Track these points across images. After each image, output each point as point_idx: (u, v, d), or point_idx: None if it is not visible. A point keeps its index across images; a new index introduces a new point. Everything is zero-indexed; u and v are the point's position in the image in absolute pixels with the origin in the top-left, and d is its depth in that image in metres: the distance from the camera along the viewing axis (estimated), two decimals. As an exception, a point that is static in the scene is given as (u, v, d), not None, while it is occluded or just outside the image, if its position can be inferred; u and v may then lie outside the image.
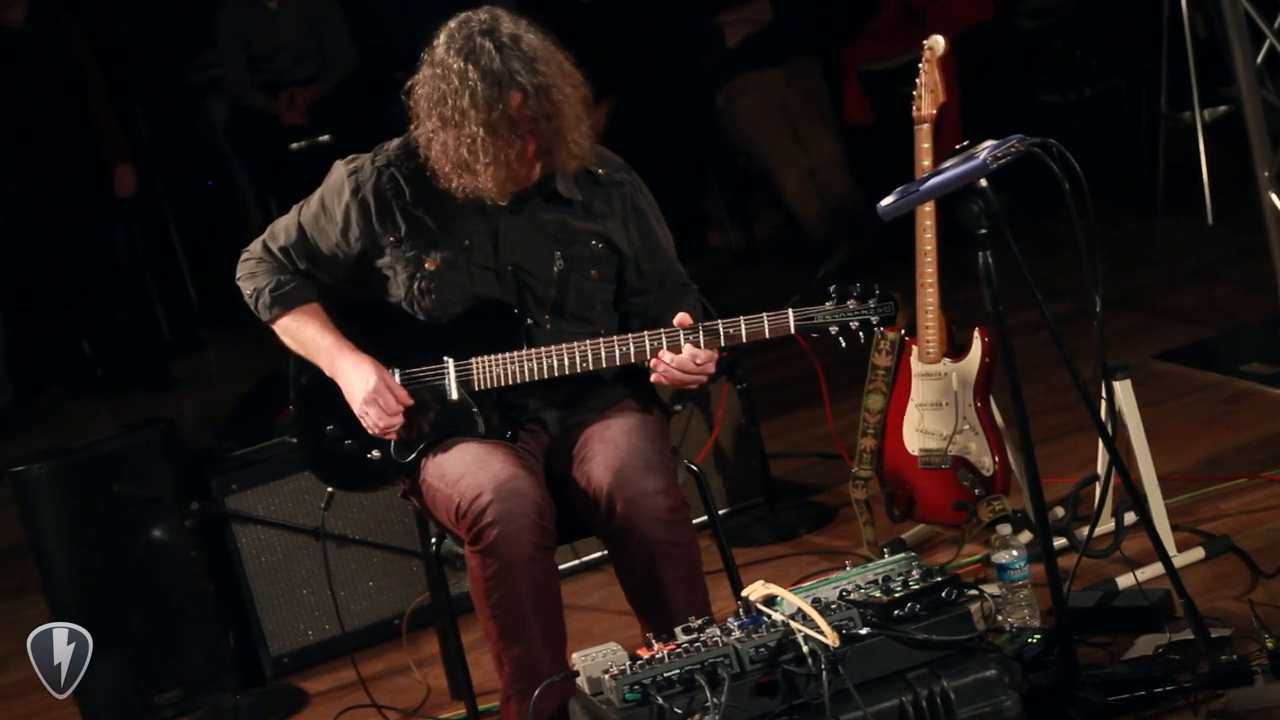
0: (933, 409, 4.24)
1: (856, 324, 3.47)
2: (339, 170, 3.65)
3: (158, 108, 8.93)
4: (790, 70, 7.74)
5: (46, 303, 7.87)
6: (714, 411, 4.89)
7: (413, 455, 3.63)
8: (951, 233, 4.03)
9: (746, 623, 3.16)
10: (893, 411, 4.30)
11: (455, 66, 3.43)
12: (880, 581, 3.24)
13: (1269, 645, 3.39)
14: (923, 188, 3.33)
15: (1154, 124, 6.97)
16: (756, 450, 4.86)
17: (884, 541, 4.35)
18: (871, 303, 3.47)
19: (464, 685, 3.81)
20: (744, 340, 3.48)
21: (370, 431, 3.62)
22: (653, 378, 3.54)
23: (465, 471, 3.52)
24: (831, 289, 3.48)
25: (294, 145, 8.02)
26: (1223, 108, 6.71)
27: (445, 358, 3.61)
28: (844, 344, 3.49)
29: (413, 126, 3.56)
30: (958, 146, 3.37)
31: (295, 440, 3.89)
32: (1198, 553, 3.99)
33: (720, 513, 4.25)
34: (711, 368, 3.51)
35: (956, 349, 4.22)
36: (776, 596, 3.21)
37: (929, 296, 4.18)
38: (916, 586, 3.19)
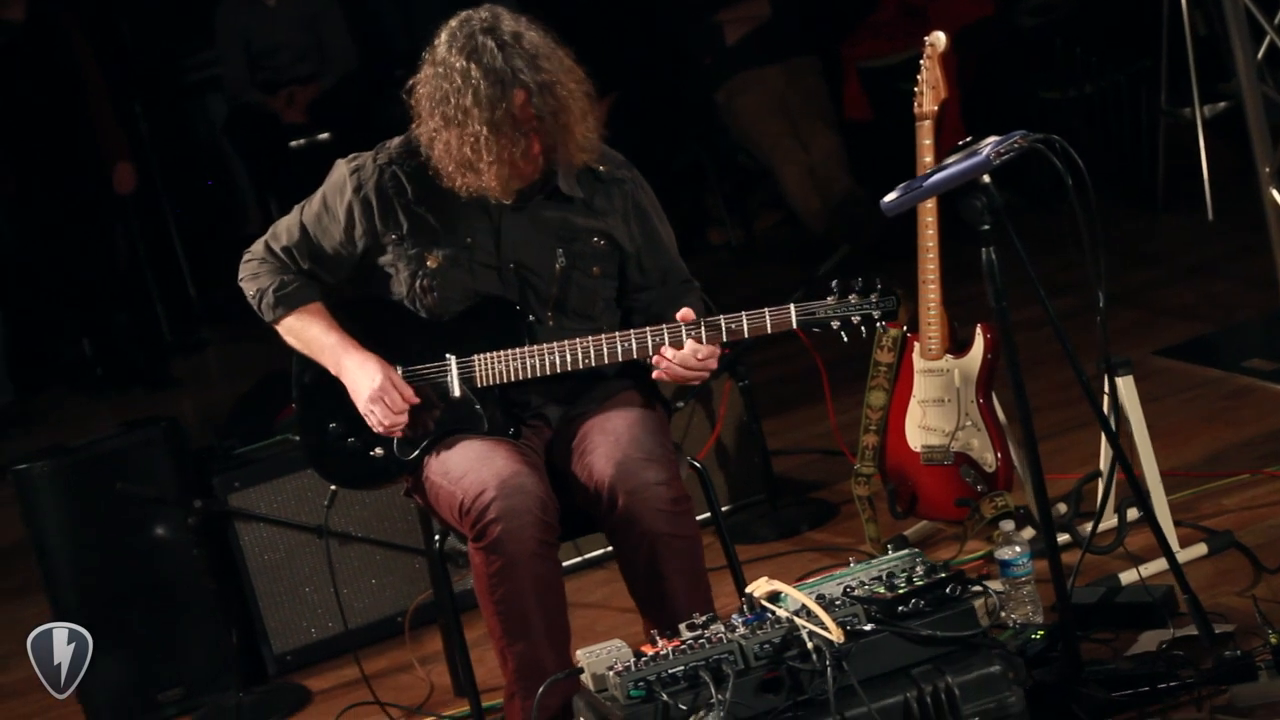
0: (935, 405, 4.24)
1: (858, 318, 3.48)
2: (341, 169, 3.66)
3: (157, 106, 8.93)
4: (790, 67, 7.74)
5: (46, 302, 7.87)
6: (716, 408, 4.89)
7: (416, 453, 3.63)
8: (953, 229, 4.05)
9: (751, 619, 3.16)
10: (895, 408, 4.31)
11: (457, 65, 3.43)
12: (884, 578, 3.24)
13: (1272, 641, 3.39)
14: (926, 184, 3.33)
15: (1154, 120, 6.97)
16: (758, 447, 4.86)
17: (886, 538, 4.35)
18: (873, 297, 3.47)
19: (468, 682, 3.81)
20: (746, 335, 3.49)
21: (375, 430, 3.62)
22: (654, 374, 3.55)
23: (468, 468, 3.52)
24: (833, 283, 3.49)
25: (294, 143, 8.01)
26: (1222, 104, 6.71)
27: (447, 355, 3.61)
28: (845, 338, 3.50)
29: (414, 125, 3.56)
30: (960, 143, 3.37)
31: (298, 438, 3.89)
32: (1200, 549, 4.00)
33: (722, 509, 4.24)
34: (713, 363, 3.51)
35: (958, 345, 4.22)
36: (780, 593, 3.21)
37: (931, 293, 4.17)
38: (920, 582, 3.19)
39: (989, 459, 4.17)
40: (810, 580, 3.33)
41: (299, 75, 8.14)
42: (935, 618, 3.15)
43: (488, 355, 3.58)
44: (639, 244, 3.68)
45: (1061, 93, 7.18)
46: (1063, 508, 4.23)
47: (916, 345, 4.25)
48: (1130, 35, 7.16)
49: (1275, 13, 5.56)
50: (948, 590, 3.18)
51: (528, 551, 3.45)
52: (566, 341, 3.55)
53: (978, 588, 3.24)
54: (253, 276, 3.73)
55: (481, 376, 3.60)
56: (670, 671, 3.06)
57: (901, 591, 3.17)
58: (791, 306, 3.46)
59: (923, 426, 4.27)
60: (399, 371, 3.62)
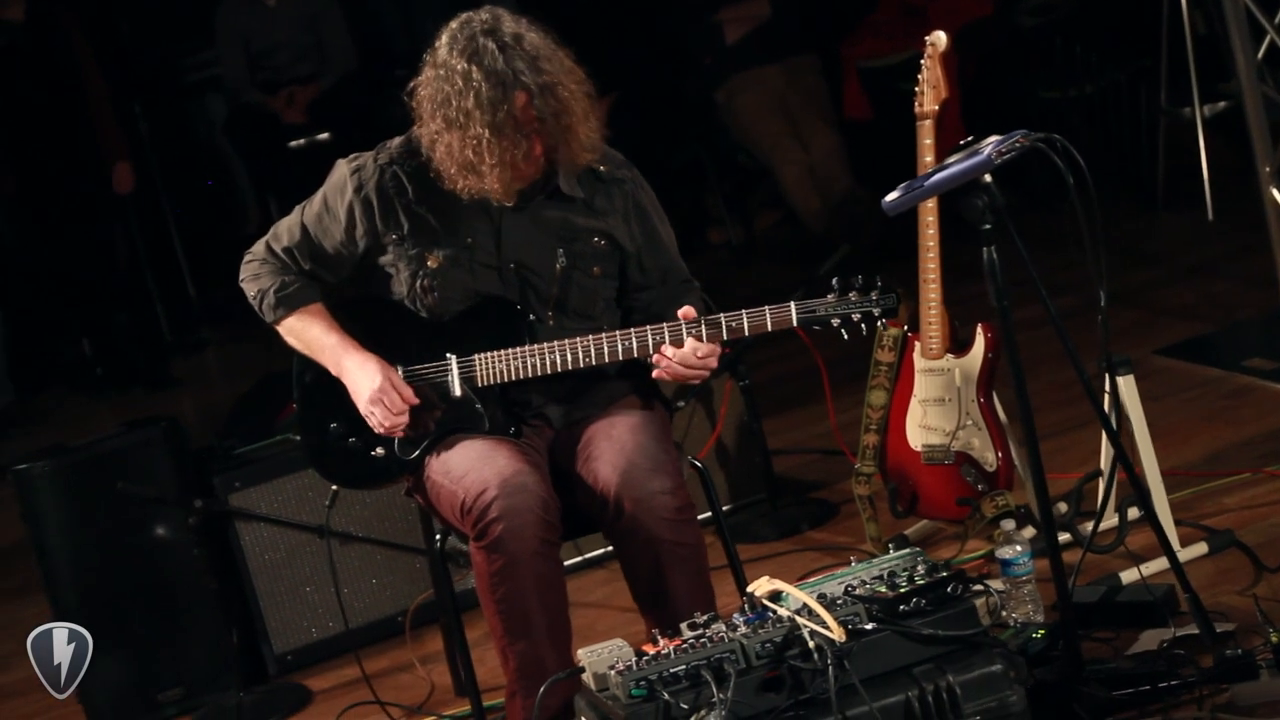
0: (935, 405, 4.24)
1: (858, 315, 3.47)
2: (341, 169, 3.66)
3: (157, 106, 8.93)
4: (790, 67, 7.74)
5: (46, 302, 7.87)
6: (716, 408, 4.89)
7: (417, 452, 3.63)
8: (953, 228, 4.05)
9: (752, 618, 3.16)
10: (895, 407, 4.31)
11: (458, 67, 3.43)
12: (885, 577, 3.24)
13: (1273, 639, 3.39)
14: (928, 183, 3.33)
15: (1154, 120, 6.98)
16: (759, 446, 4.86)
17: (887, 537, 4.35)
18: (873, 294, 3.47)
19: (469, 681, 3.81)
20: (746, 333, 3.49)
21: (376, 430, 3.62)
22: (655, 373, 3.55)
23: (470, 468, 3.52)
24: (834, 281, 3.48)
25: (293, 143, 8.02)
26: (1222, 103, 6.72)
27: (448, 354, 3.61)
28: (846, 336, 3.49)
29: (416, 127, 3.56)
30: (962, 142, 3.37)
31: (299, 438, 3.89)
32: (1201, 548, 4.00)
33: (723, 509, 4.24)
34: (714, 362, 3.51)
35: (959, 344, 4.22)
36: (782, 592, 3.21)
37: (931, 292, 4.18)
38: (922, 582, 3.19)
39: (990, 458, 4.17)
40: (811, 579, 3.33)
41: (299, 75, 8.14)
42: (937, 617, 3.15)
43: (488, 354, 3.59)
44: (639, 244, 3.68)
45: (1061, 92, 7.18)
46: (1063, 507, 4.23)
47: (917, 344, 4.25)
48: (1130, 35, 7.17)
49: (1275, 12, 5.57)
50: (949, 589, 3.18)
51: (529, 550, 3.45)
52: (567, 340, 3.55)
53: (979, 587, 3.24)
54: (254, 277, 3.73)
55: (482, 376, 3.60)
56: (672, 671, 3.06)
57: (903, 590, 3.17)
58: (792, 304, 3.46)
59: (923, 426, 4.27)
60: (399, 371, 3.62)
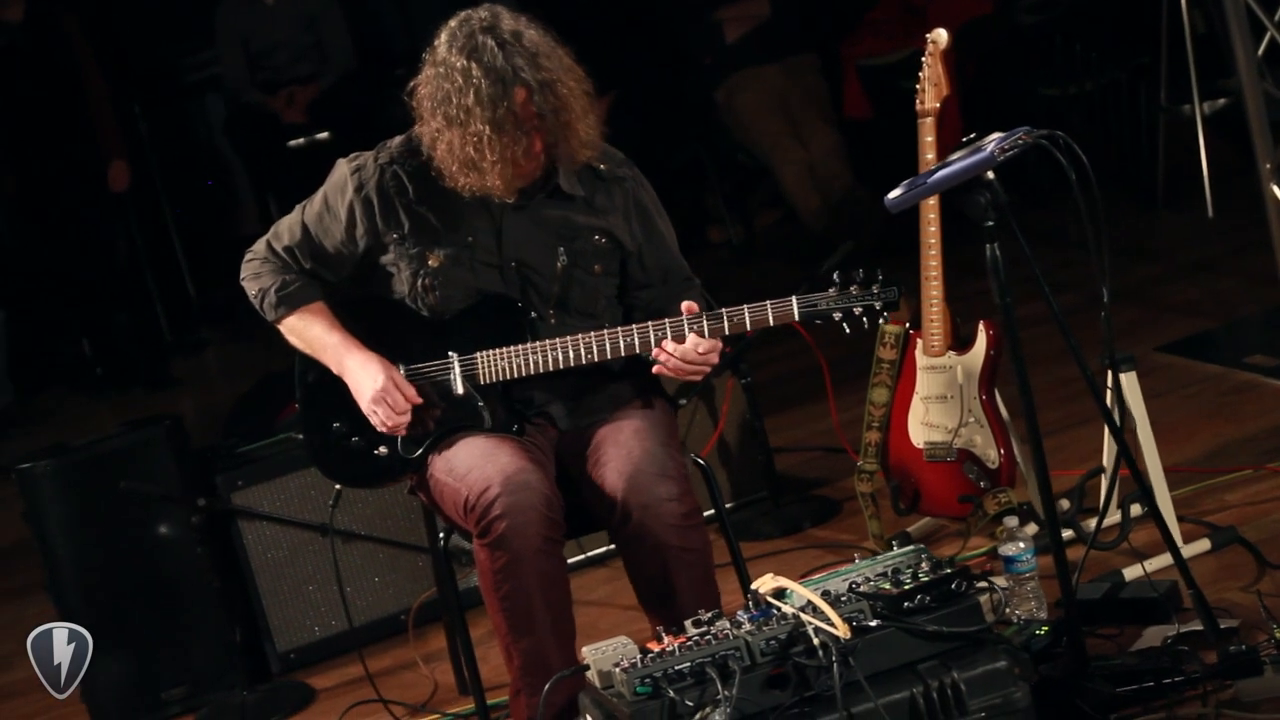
0: (938, 402, 4.24)
1: (860, 309, 3.47)
2: (342, 168, 3.66)
3: (157, 106, 8.92)
4: (789, 66, 7.75)
5: (46, 302, 7.87)
6: (718, 406, 4.90)
7: (420, 450, 3.63)
8: (955, 226, 4.05)
9: (757, 616, 3.16)
10: (898, 405, 4.31)
11: (458, 65, 3.43)
12: (889, 574, 3.24)
13: (1277, 635, 3.40)
14: (930, 180, 3.33)
15: (1154, 117, 6.98)
16: (761, 444, 4.86)
17: (889, 535, 4.36)
18: (875, 288, 3.46)
19: (473, 679, 3.81)
20: (748, 328, 3.48)
21: (378, 429, 3.62)
22: (655, 369, 3.54)
23: (473, 465, 3.52)
24: (835, 275, 3.48)
25: (293, 143, 8.02)
26: (1222, 101, 6.72)
27: (450, 353, 3.61)
28: (848, 330, 3.48)
29: (416, 126, 3.56)
30: (964, 139, 3.37)
31: (301, 437, 3.89)
32: (1203, 544, 4.00)
33: (725, 507, 4.24)
34: (715, 358, 3.51)
35: (961, 342, 4.22)
36: (786, 589, 3.21)
37: (933, 289, 4.18)
38: (926, 578, 3.19)
39: (992, 455, 4.18)
40: (816, 576, 3.33)
41: (298, 75, 8.14)
42: (941, 613, 3.14)
43: (490, 352, 3.59)
44: (640, 242, 3.68)
45: (1061, 90, 7.18)
46: (1066, 504, 4.24)
47: (919, 342, 4.25)
48: (1130, 32, 7.17)
49: (1276, 9, 5.57)
50: (953, 586, 3.18)
51: (532, 548, 3.45)
52: (569, 338, 3.55)
53: (983, 583, 3.24)
54: (254, 276, 3.73)
55: (484, 374, 3.60)
56: (676, 668, 3.06)
57: (907, 587, 3.17)
58: (793, 299, 3.46)
59: (925, 423, 4.27)
60: (401, 370, 3.62)
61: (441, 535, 3.77)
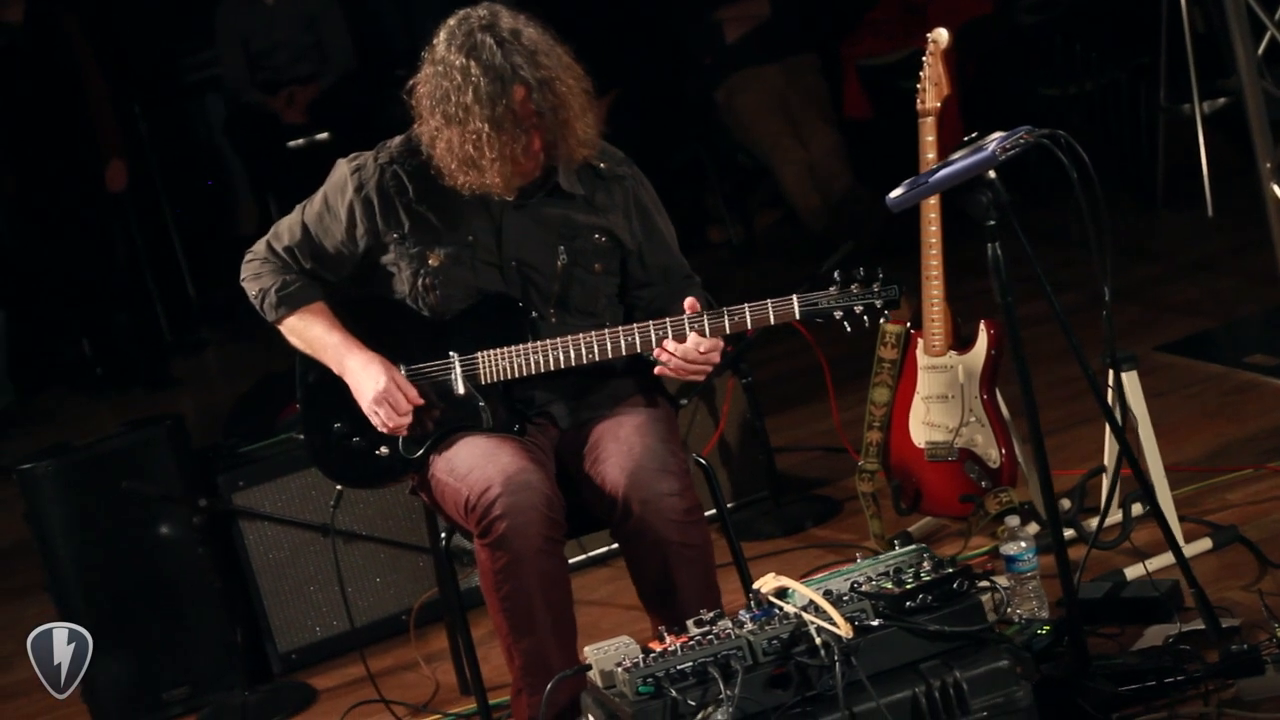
0: (939, 402, 4.24)
1: (861, 308, 3.46)
2: (342, 168, 3.66)
3: (157, 107, 8.92)
4: (789, 66, 7.75)
5: (46, 302, 7.86)
6: (719, 406, 4.90)
7: (421, 451, 3.63)
8: (955, 225, 4.05)
9: (759, 615, 3.16)
10: (898, 404, 4.31)
11: (457, 63, 3.44)
12: (891, 573, 3.25)
13: (1278, 634, 3.40)
14: (932, 180, 3.34)
15: (1153, 117, 6.98)
16: (762, 444, 4.86)
17: (890, 534, 4.36)
18: (876, 287, 3.46)
19: (474, 679, 3.81)
20: (749, 326, 3.48)
21: (380, 430, 3.62)
22: (657, 369, 3.54)
23: (474, 465, 3.52)
24: (835, 274, 3.48)
25: (293, 143, 8.02)
26: (1221, 100, 6.72)
27: (451, 352, 3.61)
28: (849, 328, 3.48)
29: (416, 125, 3.56)
30: (966, 138, 3.37)
31: (302, 438, 3.89)
32: (1205, 543, 4.00)
33: (726, 506, 4.25)
34: (716, 357, 3.51)
35: (962, 341, 4.22)
36: (788, 589, 3.21)
37: (934, 289, 4.18)
38: (928, 578, 3.19)
39: (993, 455, 4.18)
40: (817, 576, 3.33)
41: (298, 75, 8.14)
42: (943, 613, 3.15)
43: (491, 352, 3.59)
44: (640, 240, 3.69)
45: (1061, 90, 7.18)
46: (1067, 503, 4.24)
47: (920, 341, 4.25)
48: (1129, 32, 7.17)
49: (1276, 9, 5.57)
50: (955, 585, 3.18)
51: (533, 548, 3.45)
52: (569, 337, 3.55)
53: (984, 583, 3.24)
54: (255, 276, 3.73)
55: (485, 373, 3.60)
56: (679, 667, 3.06)
57: (909, 587, 3.17)
58: (794, 297, 3.46)
59: (927, 423, 4.27)
60: (402, 370, 3.62)
61: (443, 535, 3.76)
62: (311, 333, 3.68)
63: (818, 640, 3.07)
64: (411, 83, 3.54)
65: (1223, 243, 6.36)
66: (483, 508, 3.45)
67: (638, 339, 3.52)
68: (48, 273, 7.65)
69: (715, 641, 3.10)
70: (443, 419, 3.62)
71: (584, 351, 3.54)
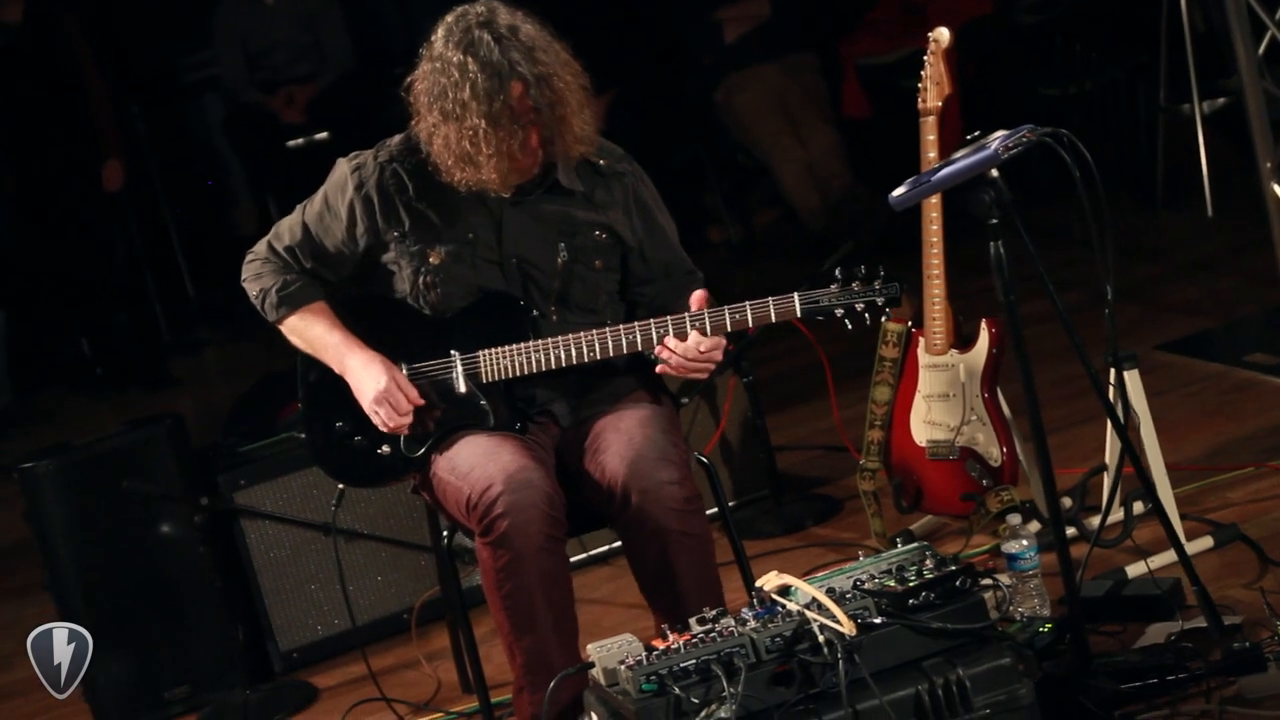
0: (940, 400, 4.24)
1: (862, 305, 3.46)
2: (342, 167, 3.66)
3: (156, 106, 8.92)
4: (789, 65, 7.75)
5: (46, 302, 7.86)
6: (720, 404, 4.90)
7: (422, 450, 3.63)
8: (956, 224, 4.05)
9: (761, 613, 3.16)
10: (900, 403, 4.31)
11: (454, 60, 3.44)
12: (894, 571, 3.25)
13: (1280, 632, 3.41)
14: (934, 178, 3.34)
15: (1153, 117, 6.98)
16: (763, 443, 4.86)
17: (891, 533, 4.36)
18: (877, 284, 3.46)
19: (476, 677, 3.81)
20: (750, 324, 3.47)
21: (381, 429, 3.62)
22: (658, 368, 3.54)
23: (475, 464, 3.52)
24: (836, 272, 3.48)
25: (292, 143, 8.02)
26: (1221, 100, 6.72)
27: (452, 351, 3.61)
28: (850, 326, 3.48)
29: (414, 122, 3.56)
30: (968, 137, 3.37)
31: (304, 437, 3.89)
32: (1206, 541, 4.00)
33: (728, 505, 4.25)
34: (718, 355, 3.51)
35: (963, 340, 4.22)
36: (790, 586, 3.21)
37: (935, 288, 4.18)
38: (930, 576, 3.19)
39: (994, 453, 4.18)
40: (820, 574, 3.33)
41: (297, 75, 8.14)
42: (945, 610, 3.15)
43: (492, 351, 3.59)
44: (640, 236, 3.69)
45: (1061, 89, 7.18)
46: (1068, 502, 4.24)
47: (921, 340, 4.25)
48: (1129, 32, 7.17)
49: (1276, 8, 5.58)
50: (957, 583, 3.18)
51: (534, 546, 3.45)
52: (570, 335, 3.54)
53: (987, 580, 3.24)
54: (255, 277, 3.72)
55: (486, 372, 3.60)
56: (682, 665, 3.05)
57: (912, 584, 3.17)
58: (796, 295, 3.45)
59: (928, 421, 4.27)
60: (403, 369, 3.62)
61: (445, 534, 3.76)
62: (312, 332, 3.68)
63: (821, 638, 3.07)
64: (409, 79, 3.54)
65: (1223, 243, 6.37)
66: (484, 506, 3.45)
67: (639, 337, 3.51)
68: (47, 272, 7.66)
69: (718, 639, 3.09)
70: (444, 418, 3.62)
71: (585, 350, 3.54)
